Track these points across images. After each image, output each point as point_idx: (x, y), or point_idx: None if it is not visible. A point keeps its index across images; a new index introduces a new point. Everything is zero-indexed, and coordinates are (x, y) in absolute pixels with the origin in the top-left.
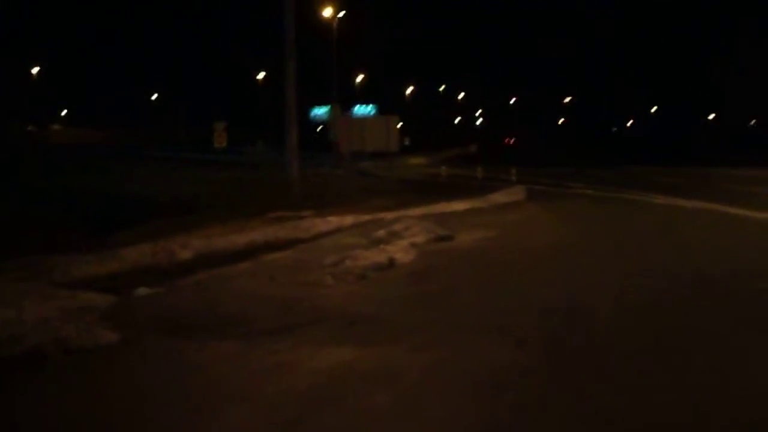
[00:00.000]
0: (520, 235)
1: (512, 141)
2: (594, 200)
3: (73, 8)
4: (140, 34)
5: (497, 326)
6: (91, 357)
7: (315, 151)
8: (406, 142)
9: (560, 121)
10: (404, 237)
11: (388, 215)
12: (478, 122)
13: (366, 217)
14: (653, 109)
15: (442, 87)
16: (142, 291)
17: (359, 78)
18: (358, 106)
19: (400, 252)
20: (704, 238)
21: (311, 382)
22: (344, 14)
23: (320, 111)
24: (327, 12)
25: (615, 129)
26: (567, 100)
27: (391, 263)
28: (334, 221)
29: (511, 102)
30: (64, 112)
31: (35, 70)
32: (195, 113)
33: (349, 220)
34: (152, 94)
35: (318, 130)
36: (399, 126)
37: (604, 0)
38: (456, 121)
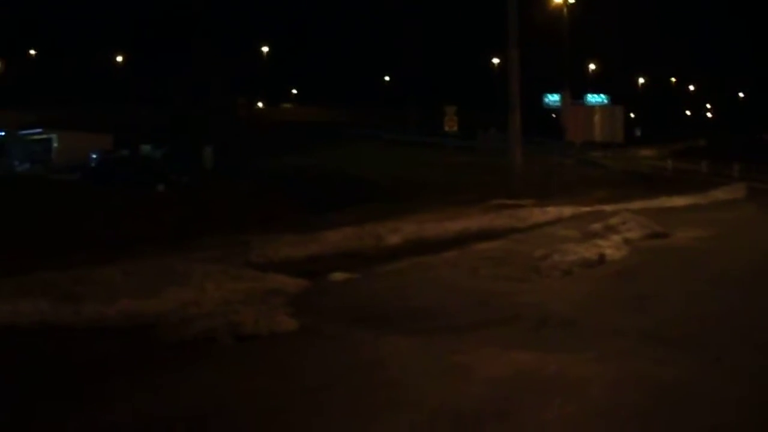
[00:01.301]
0: (737, 238)
1: None
2: None
3: None
4: (372, 17)
5: (697, 341)
6: (263, 344)
7: (546, 137)
8: (638, 132)
9: None
10: (619, 231)
11: (608, 207)
12: (708, 115)
13: (585, 209)
14: None
15: (674, 79)
16: (337, 276)
17: (592, 66)
18: (589, 94)
19: (612, 248)
20: None
21: (481, 392)
22: (577, 2)
23: (553, 98)
24: None
25: None
26: None
27: (601, 259)
28: (552, 211)
29: (741, 96)
30: (294, 91)
31: (265, 49)
32: (427, 96)
33: (568, 211)
34: (384, 76)
35: (552, 116)
36: (631, 117)
37: None
38: (686, 113)
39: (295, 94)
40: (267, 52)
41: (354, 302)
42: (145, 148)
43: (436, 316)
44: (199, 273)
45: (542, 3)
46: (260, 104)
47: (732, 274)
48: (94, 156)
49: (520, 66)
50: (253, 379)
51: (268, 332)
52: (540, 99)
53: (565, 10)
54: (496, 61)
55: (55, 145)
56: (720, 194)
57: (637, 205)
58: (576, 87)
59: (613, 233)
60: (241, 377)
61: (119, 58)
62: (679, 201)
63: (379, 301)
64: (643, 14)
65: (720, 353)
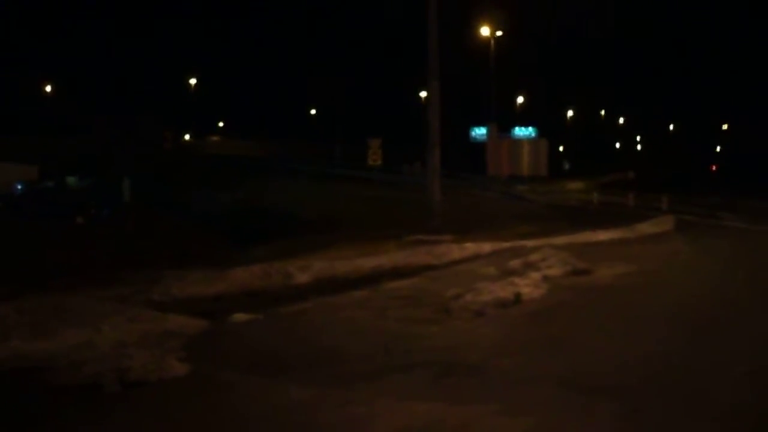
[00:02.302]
0: (663, 274)
1: (715, 167)
2: (747, 236)
3: (229, 25)
4: (297, 51)
5: (615, 388)
6: (150, 392)
7: (473, 171)
8: (566, 166)
9: (716, 149)
10: (539, 269)
11: (529, 243)
12: (637, 147)
13: (505, 245)
14: None
15: (603, 111)
16: (239, 317)
17: (520, 99)
18: (517, 128)
19: (530, 286)
20: None
21: None
22: (504, 35)
23: (480, 131)
24: (484, 31)
25: None
26: (724, 127)
27: (517, 299)
28: (470, 248)
29: (671, 128)
30: (221, 124)
31: (193, 81)
32: (354, 130)
33: (487, 247)
34: (311, 109)
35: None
36: (559, 150)
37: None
38: (616, 146)
39: (222, 127)
40: (195, 84)
41: (253, 346)
42: (71, 180)
43: (336, 361)
44: (98, 312)
45: (471, 35)
46: (187, 137)
47: (656, 314)
48: (19, 187)
49: (442, 99)
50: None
51: (156, 379)
52: (467, 133)
53: (492, 42)
54: (424, 94)
55: None
56: (647, 228)
57: (561, 240)
58: (505, 120)
59: (532, 270)
60: (121, 428)
61: (48, 88)
62: (604, 235)
63: (279, 345)
64: (572, 47)
65: (638, 404)
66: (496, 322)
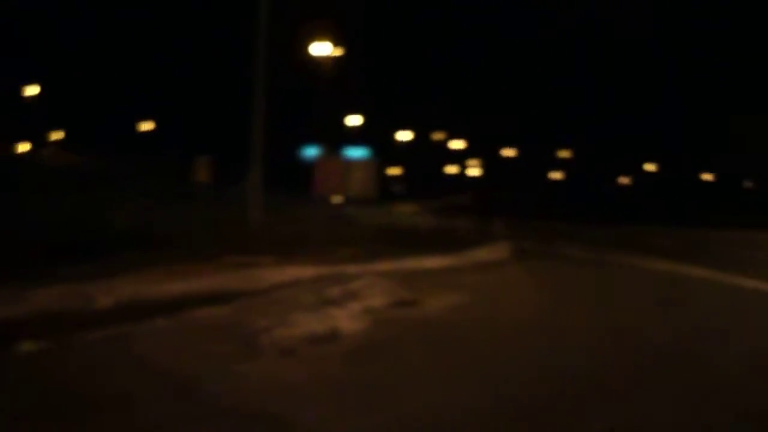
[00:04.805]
0: (498, 306)
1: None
2: (586, 264)
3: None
4: (137, 63)
5: None
6: None
7: (300, 191)
8: (399, 188)
9: (556, 176)
10: (361, 298)
11: (353, 269)
12: (473, 172)
13: (328, 270)
14: (650, 167)
15: (439, 135)
16: (24, 347)
17: (355, 120)
18: (350, 148)
19: (349, 319)
20: (712, 319)
21: None
22: (342, 55)
23: (311, 151)
24: (319, 49)
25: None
26: (565, 155)
27: (333, 334)
28: (291, 272)
29: (507, 154)
30: (58, 135)
31: (31, 92)
32: (189, 145)
33: (309, 271)
34: (146, 123)
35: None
36: (394, 172)
37: (597, 65)
38: (451, 169)
39: (57, 140)
40: (34, 95)
41: (29, 386)
42: None
43: (117, 409)
44: None
45: (306, 53)
46: (21, 148)
47: (487, 354)
48: None
49: (274, 116)
50: None
51: None
52: (298, 152)
53: (326, 60)
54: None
55: None
56: (482, 254)
57: (387, 266)
58: (338, 140)
59: (353, 300)
60: None
61: None
62: (435, 262)
63: (58, 385)
64: (411, 69)
65: None
66: (308, 362)
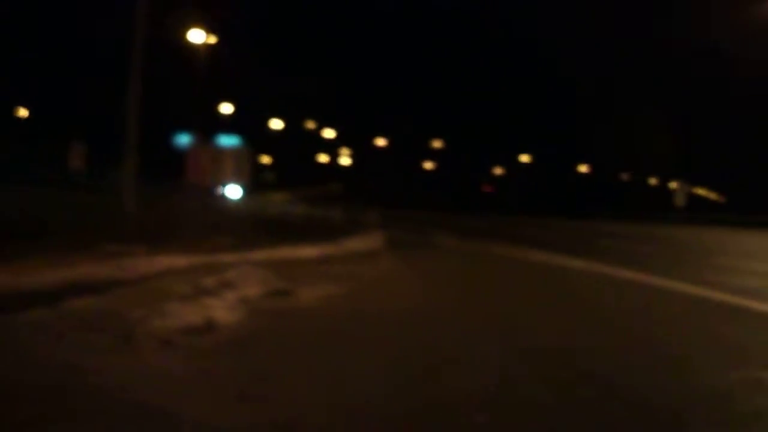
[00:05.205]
0: (373, 296)
1: (490, 188)
2: (460, 254)
3: None
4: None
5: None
6: None
7: (174, 179)
8: (271, 176)
9: (429, 167)
10: (236, 288)
11: (228, 257)
12: (345, 161)
13: (202, 259)
14: (524, 158)
15: (311, 124)
16: None
17: (228, 108)
18: (222, 136)
19: (224, 309)
20: (592, 308)
21: None
22: (219, 42)
23: (184, 138)
24: (195, 37)
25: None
26: (438, 145)
27: (209, 325)
28: (164, 261)
29: (380, 144)
30: None
31: None
32: (64, 132)
33: (183, 260)
34: (20, 110)
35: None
36: (265, 161)
37: (470, 59)
38: (323, 159)
39: None
40: None
41: None
42: None
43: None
44: None
45: (185, 40)
46: None
47: (365, 346)
48: None
49: (150, 103)
50: None
51: None
52: (171, 138)
53: (201, 48)
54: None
55: None
56: (356, 244)
57: (261, 255)
58: (213, 128)
59: (228, 290)
60: None
61: None
62: (308, 251)
63: None
64: (280, 57)
65: None
66: (185, 354)
